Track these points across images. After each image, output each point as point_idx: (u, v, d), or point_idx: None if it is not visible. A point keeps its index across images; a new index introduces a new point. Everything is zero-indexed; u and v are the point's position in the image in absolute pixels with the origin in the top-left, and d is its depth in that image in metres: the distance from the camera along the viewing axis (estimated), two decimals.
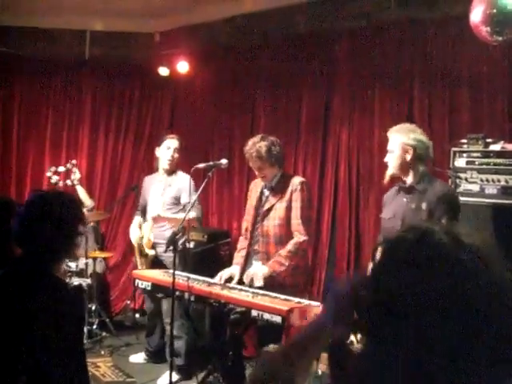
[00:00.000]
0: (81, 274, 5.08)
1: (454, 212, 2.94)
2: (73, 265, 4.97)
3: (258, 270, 3.58)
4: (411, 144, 3.07)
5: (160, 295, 4.28)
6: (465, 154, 3.64)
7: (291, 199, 3.64)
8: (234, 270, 3.77)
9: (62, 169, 5.36)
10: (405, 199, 3.12)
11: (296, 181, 3.70)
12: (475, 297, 0.84)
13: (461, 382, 0.84)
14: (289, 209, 3.64)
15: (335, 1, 4.76)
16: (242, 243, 3.91)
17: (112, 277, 6.10)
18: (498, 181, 3.48)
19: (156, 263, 4.45)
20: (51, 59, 6.14)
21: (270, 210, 3.70)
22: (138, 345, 5.02)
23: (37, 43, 6.02)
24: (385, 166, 3.25)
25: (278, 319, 3.05)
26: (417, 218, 2.91)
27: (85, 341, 4.78)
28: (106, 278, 5.85)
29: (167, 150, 4.50)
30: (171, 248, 3.55)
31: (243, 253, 3.84)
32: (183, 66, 5.59)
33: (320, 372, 3.16)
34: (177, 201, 4.43)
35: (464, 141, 3.69)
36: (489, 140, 3.62)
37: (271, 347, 3.18)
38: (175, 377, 4.15)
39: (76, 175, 5.35)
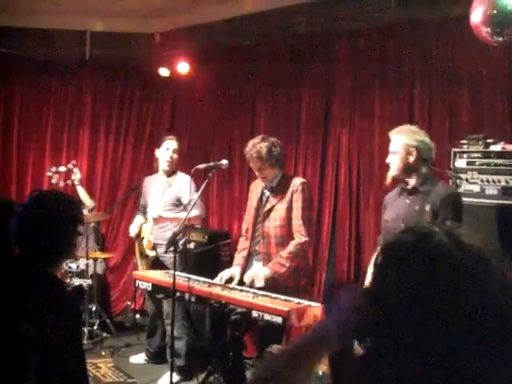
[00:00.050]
0: (81, 274, 5.08)
1: (457, 213, 2.93)
2: (73, 265, 4.97)
3: (259, 272, 3.58)
4: (415, 145, 3.05)
5: (160, 296, 4.28)
6: (465, 155, 3.64)
7: (292, 200, 3.64)
8: (234, 270, 3.77)
9: (62, 169, 5.37)
10: (407, 201, 3.11)
11: (297, 181, 3.70)
12: (475, 297, 0.84)
13: (461, 382, 0.84)
14: (289, 209, 3.64)
15: (335, 1, 4.75)
16: (243, 244, 3.91)
17: (112, 277, 6.10)
18: (499, 181, 3.48)
19: (156, 264, 4.45)
20: (51, 60, 6.14)
21: (270, 210, 3.70)
22: (138, 345, 5.02)
23: (37, 44, 6.02)
24: (385, 167, 3.24)
25: (278, 320, 3.05)
26: (420, 220, 2.91)
27: (85, 341, 4.79)
28: (106, 279, 5.85)
29: (166, 151, 4.52)
30: (171, 249, 3.55)
31: (243, 253, 3.84)
32: (183, 67, 5.59)
33: (320, 372, 3.16)
34: (177, 201, 4.43)
35: (464, 141, 3.69)
36: (489, 140, 3.62)
37: (274, 348, 3.18)
38: (176, 377, 4.15)
39: (77, 175, 5.36)
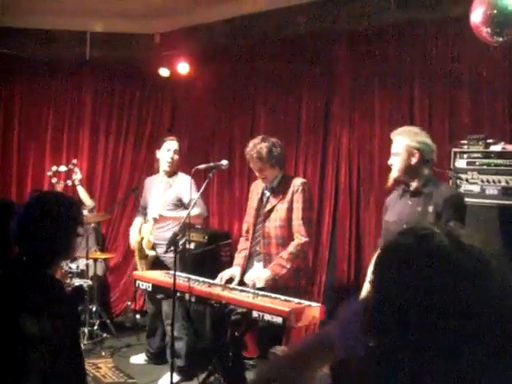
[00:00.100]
0: (81, 274, 5.08)
1: (460, 214, 2.92)
2: (73, 266, 4.97)
3: (260, 274, 3.57)
4: (417, 147, 3.04)
5: (160, 296, 4.28)
6: (465, 155, 3.64)
7: (292, 200, 3.64)
8: (234, 270, 3.77)
9: (63, 168, 5.37)
10: (410, 202, 3.09)
11: (297, 182, 3.70)
12: (475, 298, 0.84)
13: (461, 382, 0.84)
14: (290, 210, 3.64)
15: (335, 2, 4.76)
16: (243, 244, 3.91)
17: (112, 278, 6.10)
18: (499, 181, 3.48)
19: (156, 264, 4.46)
20: (52, 60, 6.14)
21: (271, 211, 3.70)
22: (138, 346, 5.02)
23: (37, 44, 6.02)
24: (385, 168, 3.24)
25: (278, 320, 3.05)
26: (421, 220, 2.90)
27: (86, 342, 4.79)
28: (106, 279, 5.86)
29: (167, 151, 4.51)
30: (172, 249, 3.56)
31: (244, 253, 3.84)
32: (183, 67, 5.59)
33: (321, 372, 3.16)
34: (178, 202, 4.43)
35: (464, 142, 3.69)
36: (489, 141, 3.61)
37: (278, 349, 3.17)
38: (176, 378, 4.15)
39: (77, 175, 5.36)
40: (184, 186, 4.34)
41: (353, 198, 4.72)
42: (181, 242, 4.10)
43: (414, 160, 3.05)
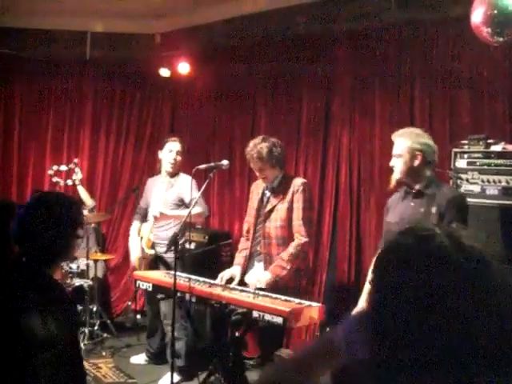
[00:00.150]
0: (82, 275, 5.08)
1: (463, 215, 2.91)
2: (74, 266, 4.97)
3: (261, 277, 3.57)
4: (420, 149, 3.02)
5: (160, 296, 4.28)
6: (466, 155, 3.63)
7: (292, 200, 3.64)
8: (234, 270, 3.77)
9: (64, 168, 5.38)
10: (412, 203, 3.08)
11: (297, 182, 3.70)
12: (475, 300, 0.84)
13: (461, 381, 0.84)
14: (290, 210, 3.64)
15: (335, 2, 4.76)
16: (243, 244, 3.91)
17: (113, 278, 6.10)
18: (499, 181, 3.48)
19: (155, 263, 4.46)
20: (52, 60, 6.15)
21: (271, 211, 3.70)
22: (139, 346, 5.02)
23: (37, 44, 6.02)
24: (386, 168, 3.23)
25: (279, 320, 3.05)
26: (421, 220, 2.89)
27: (86, 342, 4.79)
28: (106, 280, 5.85)
29: (169, 152, 4.50)
30: (173, 249, 3.55)
31: (244, 253, 3.84)
32: (184, 67, 5.59)
33: None
34: (180, 202, 4.42)
35: (465, 142, 3.69)
36: (490, 141, 3.61)
37: (283, 352, 3.18)
38: (176, 378, 4.15)
39: (78, 175, 5.37)
40: (185, 186, 4.34)
41: (353, 198, 4.72)
42: (180, 242, 4.11)
43: (416, 162, 3.03)
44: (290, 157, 4.91)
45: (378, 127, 4.56)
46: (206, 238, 5.00)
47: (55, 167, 5.34)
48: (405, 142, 3.06)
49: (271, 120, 5.35)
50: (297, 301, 3.29)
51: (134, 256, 4.54)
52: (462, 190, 3.56)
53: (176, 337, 4.00)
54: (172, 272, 3.58)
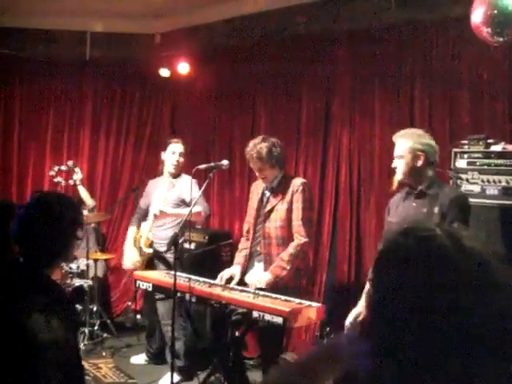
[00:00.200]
0: (82, 275, 5.08)
1: (464, 215, 2.90)
2: (74, 266, 4.97)
3: (261, 278, 3.57)
4: (422, 149, 3.02)
5: (159, 296, 4.28)
6: (466, 155, 3.63)
7: (292, 200, 3.64)
8: (234, 270, 3.77)
9: (64, 168, 5.38)
10: (414, 204, 3.07)
11: (297, 182, 3.70)
12: (475, 300, 0.84)
13: (461, 381, 0.84)
14: (290, 210, 3.64)
15: (335, 2, 4.76)
16: (243, 244, 3.91)
17: (113, 278, 6.10)
18: (499, 182, 3.47)
19: (153, 262, 4.47)
20: (52, 61, 6.14)
21: (271, 211, 3.70)
22: (139, 346, 5.03)
23: (37, 45, 6.02)
24: (386, 168, 3.23)
25: (279, 320, 3.05)
26: (421, 220, 2.89)
27: (86, 342, 4.79)
28: (107, 280, 5.85)
29: (172, 154, 4.51)
30: (173, 249, 3.56)
31: (244, 253, 3.84)
32: (184, 67, 5.59)
33: None
34: (181, 202, 4.42)
35: (465, 142, 3.69)
36: (490, 141, 3.61)
37: (289, 355, 3.18)
38: (176, 378, 4.15)
39: (78, 175, 5.37)
40: (187, 186, 4.33)
41: (353, 198, 4.72)
42: (180, 241, 4.11)
43: (419, 162, 3.02)
44: (290, 157, 4.91)
45: (378, 127, 4.56)
46: (206, 238, 5.00)
47: (56, 168, 5.35)
48: (406, 143, 3.06)
49: (271, 120, 5.35)
50: (297, 301, 3.29)
51: (127, 261, 4.56)
52: (462, 190, 3.56)
53: (175, 337, 4.00)
54: (172, 272, 3.58)
